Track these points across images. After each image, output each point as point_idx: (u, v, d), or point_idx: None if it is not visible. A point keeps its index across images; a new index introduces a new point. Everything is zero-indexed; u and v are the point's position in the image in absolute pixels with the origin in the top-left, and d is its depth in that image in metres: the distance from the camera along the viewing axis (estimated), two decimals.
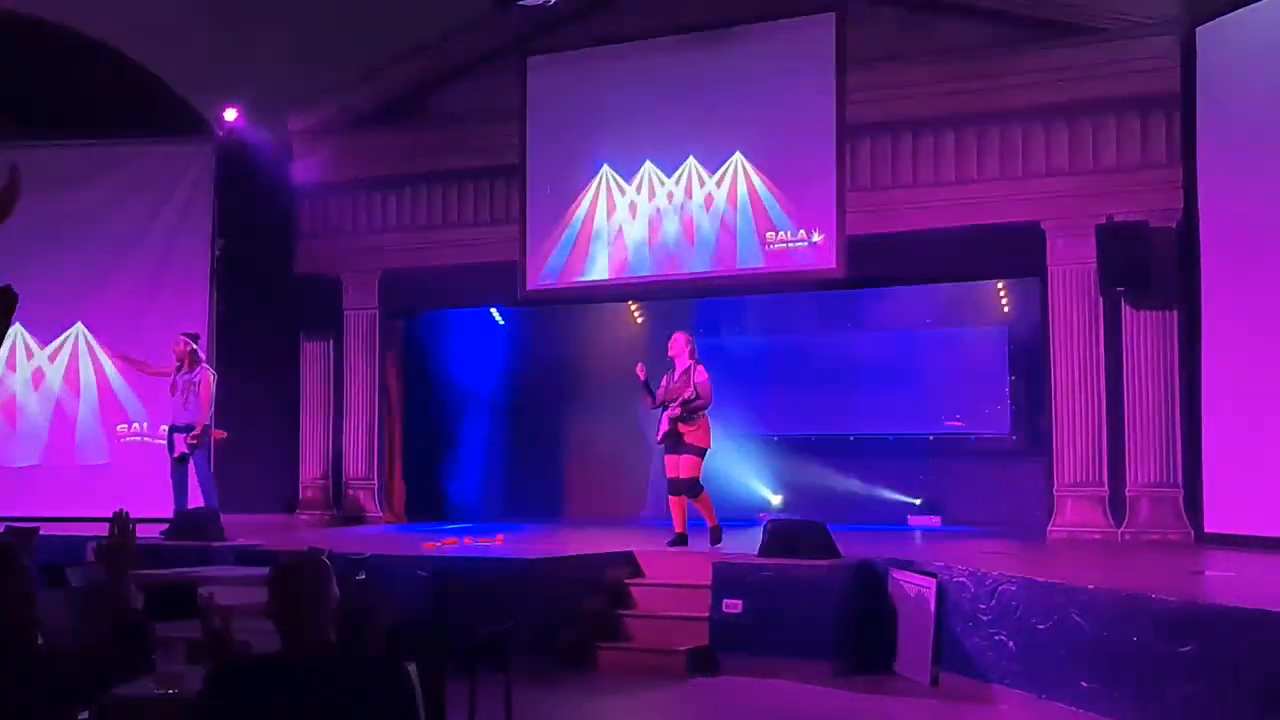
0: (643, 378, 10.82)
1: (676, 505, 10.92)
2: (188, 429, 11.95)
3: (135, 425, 14.40)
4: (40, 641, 3.74)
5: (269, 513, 13.99)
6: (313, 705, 3.52)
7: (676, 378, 10.75)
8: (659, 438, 10.84)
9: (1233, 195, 10.75)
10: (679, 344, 10.81)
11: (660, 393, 10.79)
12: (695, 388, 10.61)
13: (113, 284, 14.48)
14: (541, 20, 13.39)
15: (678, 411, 10.62)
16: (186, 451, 11.97)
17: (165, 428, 12.49)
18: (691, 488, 10.72)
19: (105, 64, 15.15)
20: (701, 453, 10.72)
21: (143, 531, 11.81)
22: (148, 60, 15.46)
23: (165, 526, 11.56)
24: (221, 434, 12.83)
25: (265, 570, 7.48)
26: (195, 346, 12.32)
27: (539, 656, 9.05)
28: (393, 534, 13.00)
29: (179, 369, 12.16)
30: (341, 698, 3.55)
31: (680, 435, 10.68)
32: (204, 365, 12.31)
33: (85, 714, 4.07)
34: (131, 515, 4.09)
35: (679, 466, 10.73)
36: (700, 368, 10.72)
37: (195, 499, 12.16)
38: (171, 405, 12.18)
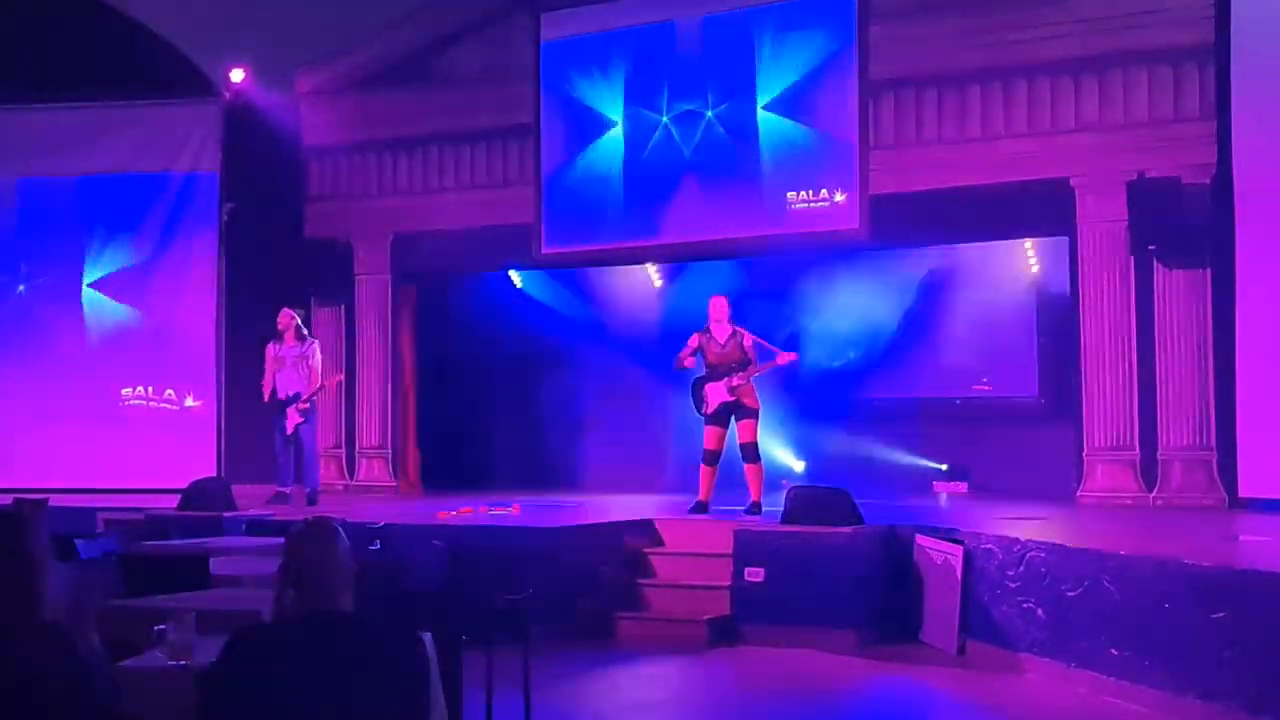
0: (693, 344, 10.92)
1: (707, 474, 10.96)
2: (294, 398, 12.18)
3: (140, 389, 14.46)
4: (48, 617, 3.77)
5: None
6: (326, 674, 3.55)
7: (723, 343, 10.76)
8: (709, 410, 10.83)
9: (1269, 150, 10.68)
10: (722, 307, 10.83)
11: (685, 352, 10.85)
12: (746, 352, 10.69)
13: (121, 245, 14.56)
14: None
15: (739, 382, 10.66)
16: (301, 421, 12.15)
17: (273, 398, 12.49)
18: (754, 452, 10.81)
19: (110, 25, 15.16)
20: (757, 415, 10.79)
21: (151, 501, 11.93)
22: (153, 21, 15.48)
23: (179, 497, 11.64)
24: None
25: (277, 540, 7.54)
26: (299, 322, 12.51)
27: (557, 626, 9.10)
28: (408, 503, 13.05)
29: (278, 342, 12.34)
30: (355, 665, 3.58)
31: (742, 403, 10.73)
32: (311, 337, 12.53)
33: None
34: (138, 483, 4.13)
35: (738, 431, 10.79)
36: (745, 331, 10.77)
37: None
38: (284, 379, 12.28)
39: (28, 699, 3.54)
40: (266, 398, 12.39)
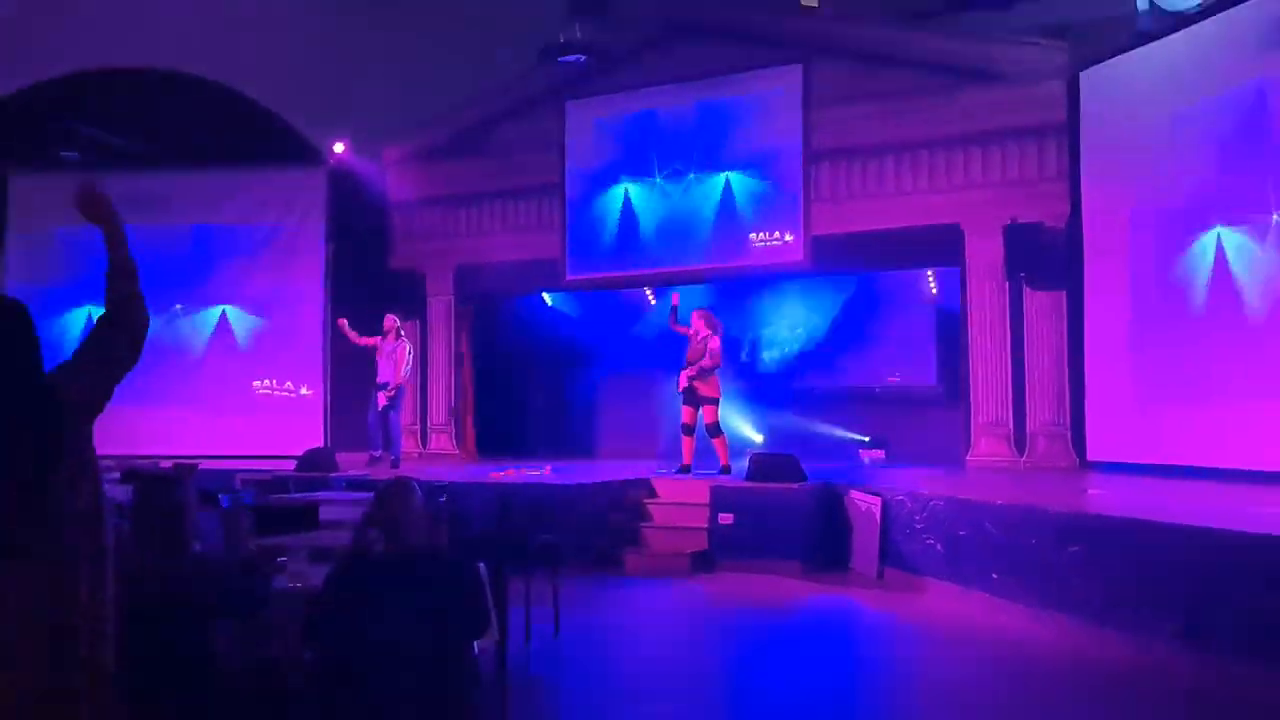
0: (675, 303, 10.97)
1: (686, 443, 10.97)
2: (382, 386, 12.06)
3: (267, 381, 14.48)
4: (195, 548, 3.78)
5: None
6: (406, 593, 3.54)
7: (695, 343, 10.77)
8: (680, 389, 10.87)
9: (1107, 202, 10.68)
10: (696, 319, 10.87)
11: (677, 323, 10.95)
12: (710, 355, 10.66)
13: (250, 276, 14.56)
14: (576, 72, 13.35)
15: (694, 373, 10.68)
16: (386, 404, 12.05)
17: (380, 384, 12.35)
18: (716, 429, 10.78)
19: (246, 110, 15.21)
20: (716, 402, 10.78)
21: (276, 465, 11.92)
22: (277, 107, 15.53)
23: (296, 462, 11.63)
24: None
25: (368, 494, 7.52)
26: (400, 325, 12.38)
27: (579, 558, 9.11)
28: (467, 466, 13.04)
29: (383, 338, 12.20)
30: (428, 587, 3.57)
31: (697, 390, 10.72)
32: (404, 339, 12.38)
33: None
34: (264, 452, 4.13)
35: (702, 414, 10.77)
36: (715, 338, 10.76)
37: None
38: (380, 368, 12.17)
39: (179, 605, 3.55)
40: (359, 342, 12.33)
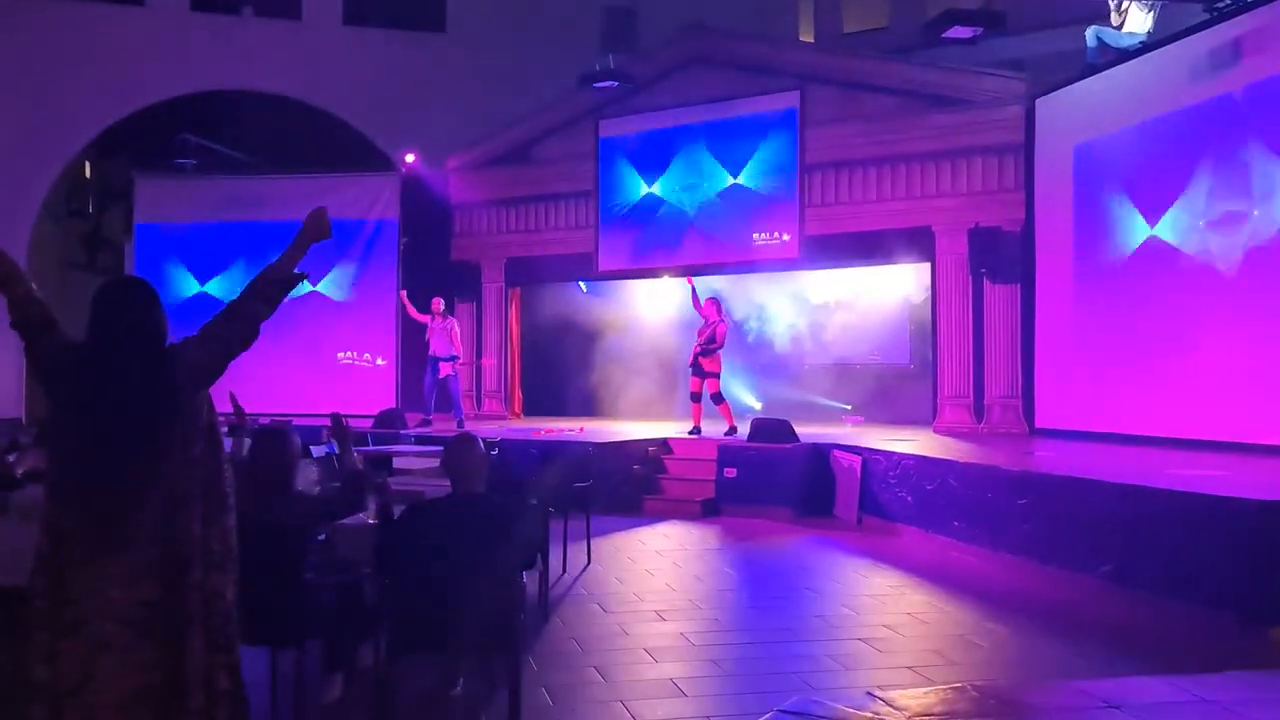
0: (690, 284, 10.96)
1: (695, 409, 10.96)
2: (451, 359, 12.01)
3: (349, 353, 14.58)
4: (296, 489, 3.82)
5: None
6: (465, 530, 3.58)
7: (706, 328, 10.75)
8: (689, 364, 10.85)
9: (1056, 210, 10.60)
10: (709, 307, 10.82)
11: (695, 301, 10.87)
12: (715, 337, 10.64)
13: (336, 266, 14.63)
14: (608, 96, 13.32)
15: (700, 350, 10.65)
16: (451, 374, 12.03)
17: (433, 357, 12.19)
18: (719, 398, 10.76)
19: (334, 128, 15.26)
20: (718, 376, 10.76)
21: (356, 423, 11.97)
22: (359, 125, 15.58)
23: (373, 420, 11.69)
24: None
25: (433, 447, 7.57)
26: (444, 305, 12.37)
27: (608, 503, 9.16)
28: (515, 425, 13.10)
29: (432, 318, 12.12)
30: (484, 526, 3.61)
31: (702, 365, 10.70)
32: (452, 317, 12.39)
33: (323, 535, 4.14)
34: (344, 412, 4.16)
35: (706, 385, 10.75)
36: (722, 324, 10.74)
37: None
38: (435, 343, 12.06)
39: (281, 537, 3.59)
40: (415, 315, 12.25)
